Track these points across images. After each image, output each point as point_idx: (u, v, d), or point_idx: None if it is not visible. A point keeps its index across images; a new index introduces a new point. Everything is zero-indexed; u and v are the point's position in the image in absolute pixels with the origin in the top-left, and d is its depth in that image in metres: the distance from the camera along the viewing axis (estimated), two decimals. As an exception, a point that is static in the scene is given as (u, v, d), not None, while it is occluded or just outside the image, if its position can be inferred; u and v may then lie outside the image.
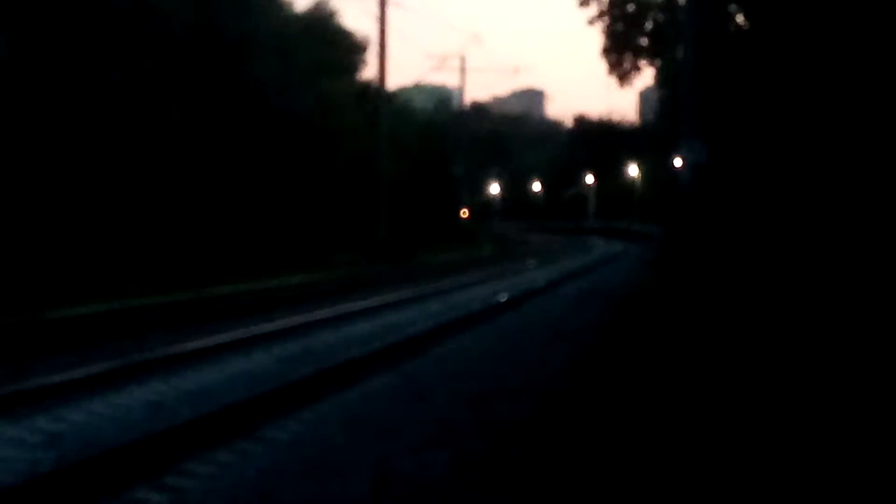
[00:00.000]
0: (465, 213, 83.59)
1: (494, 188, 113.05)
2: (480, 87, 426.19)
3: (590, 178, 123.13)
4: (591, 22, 45.11)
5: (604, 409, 9.60)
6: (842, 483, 6.95)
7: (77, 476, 7.76)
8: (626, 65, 46.19)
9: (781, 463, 7.45)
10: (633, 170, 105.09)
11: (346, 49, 52.12)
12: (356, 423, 9.30)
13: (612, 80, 47.48)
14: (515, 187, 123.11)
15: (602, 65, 47.55)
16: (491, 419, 9.33)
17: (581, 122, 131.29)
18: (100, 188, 27.52)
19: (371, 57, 53.41)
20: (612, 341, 14.66)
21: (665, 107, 50.01)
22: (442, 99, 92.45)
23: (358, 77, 54.98)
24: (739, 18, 20.42)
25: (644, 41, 43.45)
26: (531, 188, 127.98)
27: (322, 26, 48.69)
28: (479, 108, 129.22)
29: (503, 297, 22.65)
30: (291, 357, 14.13)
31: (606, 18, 43.63)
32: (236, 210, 34.23)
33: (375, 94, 44.01)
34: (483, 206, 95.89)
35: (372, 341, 15.41)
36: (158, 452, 8.49)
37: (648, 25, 42.80)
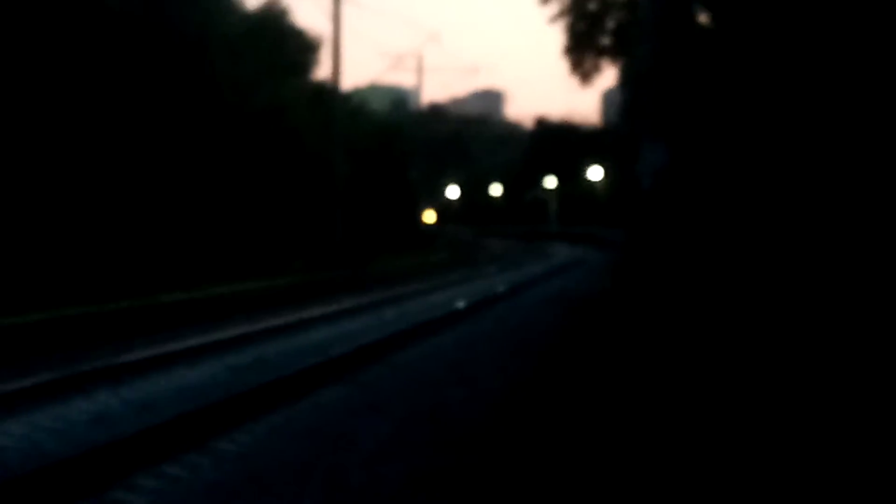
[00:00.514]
0: (432, 216, 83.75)
1: (453, 192, 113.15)
2: (438, 88, 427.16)
3: (551, 182, 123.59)
4: (551, 21, 45.07)
5: (560, 420, 9.46)
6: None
7: (18, 490, 7.50)
8: (588, 65, 46.20)
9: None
10: (595, 173, 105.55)
11: (299, 48, 51.84)
12: (309, 435, 9.10)
13: (574, 81, 47.49)
14: (474, 191, 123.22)
15: (564, 65, 47.56)
16: (446, 431, 9.17)
17: (542, 123, 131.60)
18: (41, 191, 27.11)
19: (325, 56, 53.20)
20: (571, 350, 14.53)
21: (627, 108, 50.14)
22: (398, 100, 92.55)
23: (312, 77, 54.74)
24: (702, 18, 20.34)
25: (606, 41, 43.45)
26: (490, 191, 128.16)
27: (273, 25, 48.43)
28: (436, 109, 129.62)
29: (462, 305, 22.41)
30: (244, 366, 13.84)
31: (568, 17, 43.60)
32: (188, 214, 33.87)
33: (329, 94, 43.73)
34: (441, 211, 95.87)
35: (326, 350, 15.13)
36: (103, 466, 8.20)
37: (611, 24, 42.83)
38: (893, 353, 10.78)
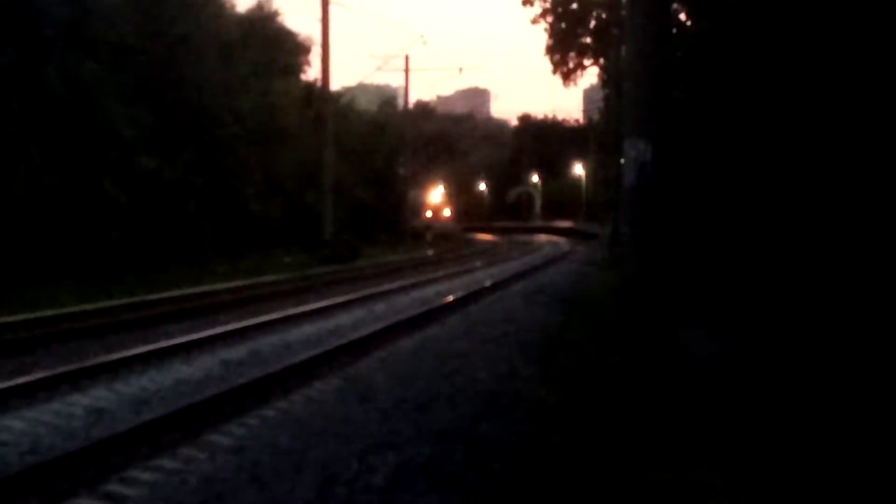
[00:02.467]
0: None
1: (438, 192, 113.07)
2: (425, 87, 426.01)
3: (536, 178, 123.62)
4: (534, 21, 45.15)
5: (547, 410, 9.60)
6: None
7: (18, 484, 7.63)
8: (570, 63, 46.29)
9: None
10: (579, 169, 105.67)
11: (289, 50, 52.02)
12: (301, 428, 9.23)
13: (558, 79, 47.55)
14: (461, 187, 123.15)
15: (548, 63, 47.61)
16: (435, 422, 9.29)
17: (526, 121, 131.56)
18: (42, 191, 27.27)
19: (314, 57, 53.37)
20: (558, 343, 14.67)
21: (610, 105, 50.30)
22: (386, 99, 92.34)
23: (301, 78, 54.87)
24: (682, 15, 20.52)
25: (588, 40, 43.52)
26: (477, 188, 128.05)
27: (264, 27, 48.58)
28: (423, 108, 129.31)
29: (449, 298, 22.59)
30: (237, 361, 13.97)
31: (550, 17, 43.67)
32: (181, 212, 33.96)
33: (319, 94, 43.86)
34: (430, 207, 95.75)
35: (318, 344, 15.28)
36: (100, 459, 8.36)
37: (592, 23, 42.89)
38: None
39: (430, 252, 54.07)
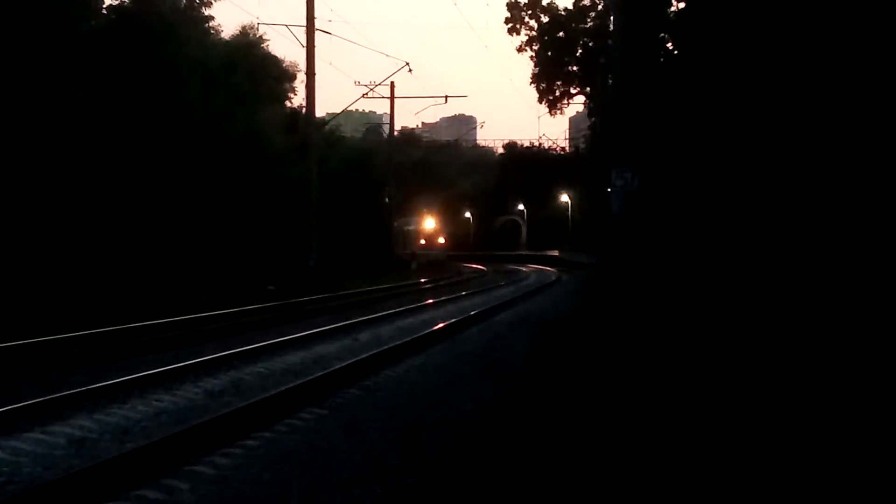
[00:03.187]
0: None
1: (427, 221, 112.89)
2: (410, 114, 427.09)
3: (521, 206, 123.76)
4: (519, 49, 45.21)
5: (532, 440, 9.56)
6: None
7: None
8: (557, 92, 46.35)
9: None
10: (565, 198, 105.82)
11: (275, 76, 52.07)
12: (285, 459, 9.16)
13: (544, 108, 47.61)
14: (446, 215, 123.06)
15: (534, 92, 47.65)
16: (421, 453, 9.24)
17: (512, 149, 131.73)
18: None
19: (299, 84, 53.35)
20: (544, 372, 14.63)
21: (596, 134, 50.43)
22: (371, 126, 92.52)
23: (287, 104, 54.89)
24: (670, 45, 20.64)
25: (574, 68, 43.61)
26: (462, 216, 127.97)
27: (249, 53, 48.61)
28: (409, 135, 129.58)
29: (434, 328, 22.53)
30: (220, 391, 13.89)
31: (536, 45, 43.74)
32: (162, 238, 33.87)
33: (305, 121, 43.80)
34: (415, 235, 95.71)
35: (301, 374, 15.21)
36: (81, 490, 8.26)
37: (578, 52, 42.98)
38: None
39: (416, 280, 53.95)
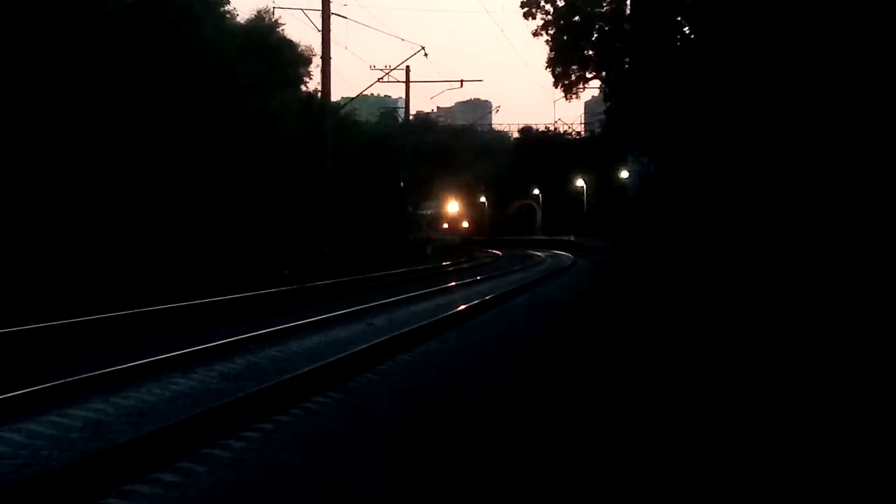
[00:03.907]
0: (465, 224, 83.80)
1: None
2: (425, 99, 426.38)
3: (537, 191, 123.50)
4: (535, 33, 45.04)
5: (546, 426, 9.57)
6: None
7: (15, 499, 7.53)
8: (572, 76, 46.19)
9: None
10: (580, 182, 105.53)
11: (290, 60, 51.95)
12: (301, 442, 9.18)
13: (559, 92, 47.45)
14: (462, 199, 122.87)
15: (549, 76, 47.47)
16: (435, 437, 9.25)
17: (527, 133, 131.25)
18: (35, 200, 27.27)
19: (315, 69, 53.31)
20: (560, 355, 14.64)
21: (611, 118, 50.26)
22: (387, 110, 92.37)
23: (302, 88, 54.81)
24: (686, 29, 20.53)
25: (590, 52, 43.40)
26: (477, 200, 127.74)
27: (265, 37, 48.53)
28: (424, 120, 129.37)
29: (449, 312, 22.51)
30: (236, 374, 13.91)
31: (552, 29, 43.56)
32: (178, 223, 33.90)
33: (320, 105, 43.77)
34: (430, 220, 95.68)
35: (318, 357, 15.22)
36: (98, 473, 8.28)
37: (594, 36, 42.78)
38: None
39: (431, 265, 53.91)
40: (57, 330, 17.71)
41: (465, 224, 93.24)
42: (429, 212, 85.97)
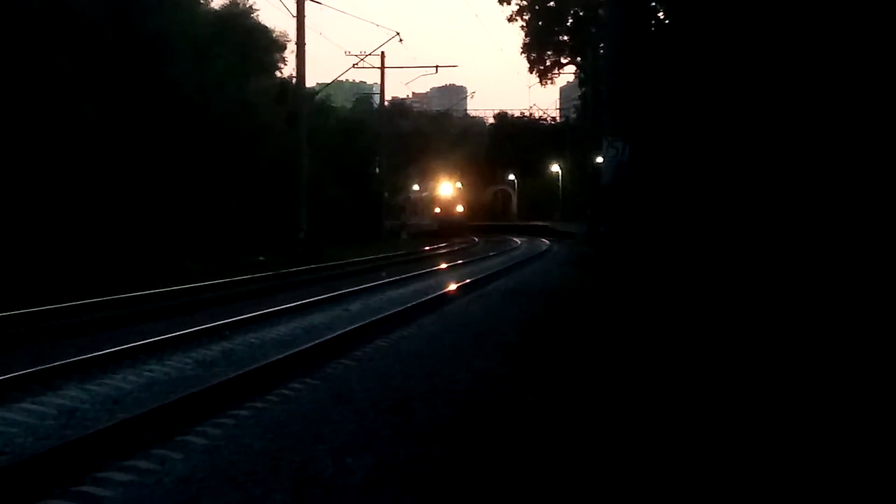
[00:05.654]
0: (460, 210, 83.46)
1: (415, 186, 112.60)
2: (401, 84, 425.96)
3: (512, 176, 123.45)
4: (510, 18, 45.04)
5: (523, 411, 9.60)
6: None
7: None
8: (547, 62, 46.24)
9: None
10: (556, 168, 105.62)
11: (264, 47, 51.68)
12: (277, 429, 9.18)
13: (535, 77, 47.46)
14: (437, 185, 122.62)
15: (524, 61, 47.48)
16: (411, 423, 9.27)
17: (502, 119, 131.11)
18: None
19: (290, 55, 53.07)
20: (535, 342, 14.68)
21: (586, 104, 50.34)
22: (362, 96, 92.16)
23: (277, 75, 54.58)
24: (661, 13, 20.56)
25: (565, 38, 43.49)
26: (453, 185, 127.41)
27: (239, 23, 48.26)
28: (399, 106, 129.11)
29: (425, 298, 22.51)
30: (211, 361, 13.88)
31: (527, 14, 43.58)
32: (152, 210, 33.78)
33: (294, 91, 43.62)
34: (404, 206, 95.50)
35: (293, 344, 15.21)
36: (73, 460, 8.25)
37: (569, 21, 42.83)
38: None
39: (407, 251, 53.87)
40: (31, 317, 17.61)
41: (461, 208, 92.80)
42: (409, 196, 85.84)
